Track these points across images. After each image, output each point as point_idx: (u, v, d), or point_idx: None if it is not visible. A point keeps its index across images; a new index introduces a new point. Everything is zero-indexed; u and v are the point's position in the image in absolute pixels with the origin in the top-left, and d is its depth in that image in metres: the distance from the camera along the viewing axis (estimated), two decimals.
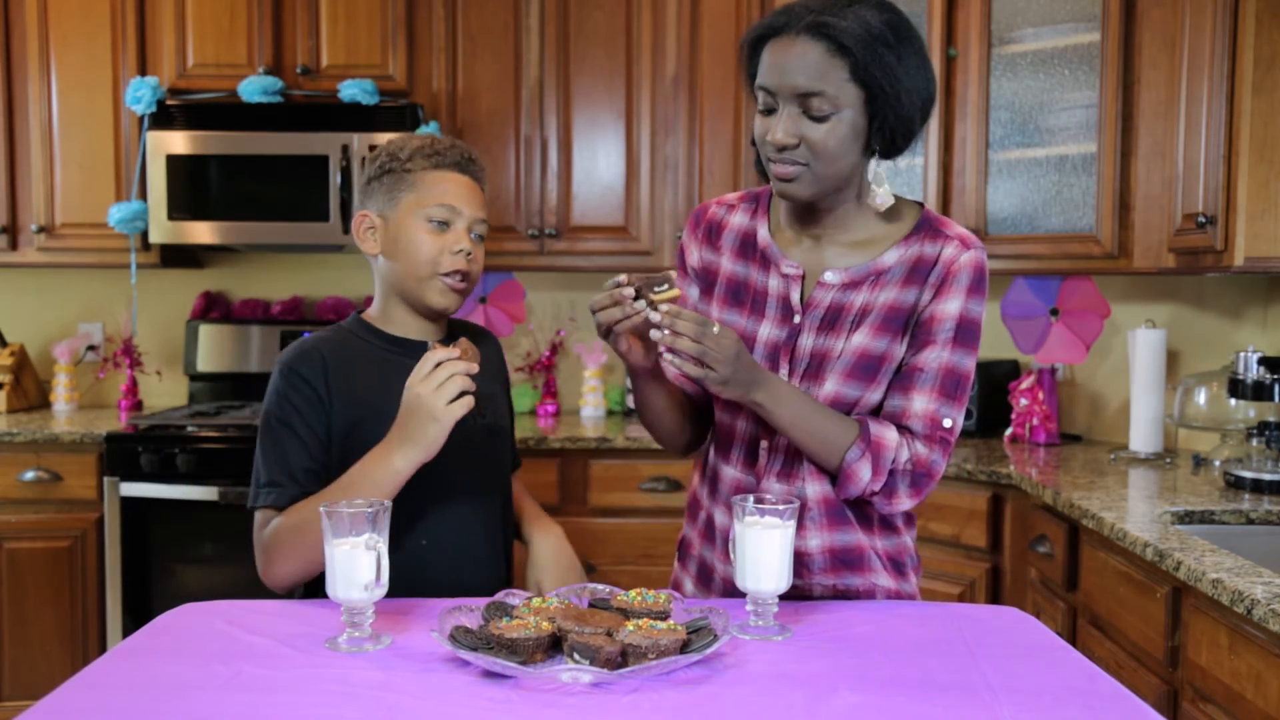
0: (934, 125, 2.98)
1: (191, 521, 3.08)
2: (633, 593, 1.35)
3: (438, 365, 1.43)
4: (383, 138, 3.17)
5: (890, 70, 1.38)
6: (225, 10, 3.31)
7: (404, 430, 1.44)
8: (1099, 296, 3.17)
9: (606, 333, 1.40)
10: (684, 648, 1.21)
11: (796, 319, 1.51)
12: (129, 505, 3.07)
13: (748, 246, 1.57)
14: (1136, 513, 2.22)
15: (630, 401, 3.64)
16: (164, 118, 3.28)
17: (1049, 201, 2.94)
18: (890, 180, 3.02)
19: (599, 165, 3.40)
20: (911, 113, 1.42)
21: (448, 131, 3.35)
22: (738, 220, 1.59)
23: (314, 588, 1.61)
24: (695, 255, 1.61)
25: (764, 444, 1.53)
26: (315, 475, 1.53)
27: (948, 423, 1.46)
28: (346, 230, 3.20)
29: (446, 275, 1.58)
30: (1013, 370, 3.32)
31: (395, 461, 1.44)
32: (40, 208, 3.38)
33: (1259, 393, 2.53)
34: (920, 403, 1.46)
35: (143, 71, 3.34)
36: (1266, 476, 2.40)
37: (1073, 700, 1.15)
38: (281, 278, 3.75)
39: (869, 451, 1.44)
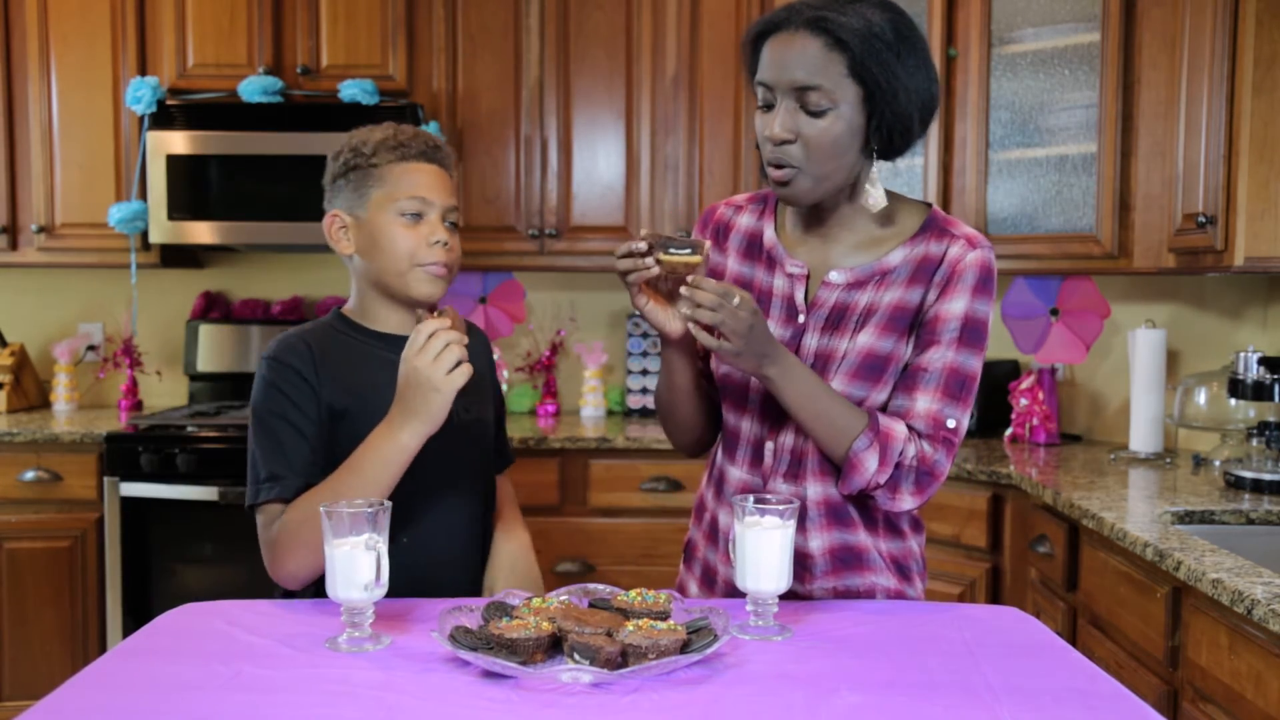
0: (934, 125, 2.96)
1: (191, 521, 3.08)
2: (633, 593, 1.35)
3: (431, 336, 1.41)
4: None
5: (888, 68, 1.38)
6: (225, 10, 3.31)
7: (406, 405, 1.43)
8: (1099, 296, 3.17)
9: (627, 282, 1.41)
10: (684, 648, 1.21)
11: (801, 319, 1.50)
12: (129, 505, 3.07)
13: (754, 247, 1.57)
14: (1136, 513, 2.22)
15: (631, 402, 3.64)
16: (164, 118, 3.28)
17: (1049, 201, 2.94)
18: (890, 180, 3.03)
19: (599, 165, 3.40)
20: (909, 112, 1.41)
21: (448, 132, 3.35)
22: (745, 221, 1.59)
23: (321, 587, 1.60)
24: None
25: (769, 445, 1.52)
26: (315, 465, 1.51)
27: (951, 423, 1.45)
28: None
29: (426, 265, 1.56)
30: (1013, 370, 3.33)
31: (402, 437, 1.43)
32: (40, 208, 3.38)
33: (1259, 393, 2.53)
34: (924, 402, 1.45)
35: (143, 71, 3.34)
36: (1266, 476, 2.40)
37: (1073, 700, 1.15)
38: (281, 278, 3.75)
39: (877, 441, 1.42)
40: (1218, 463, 2.67)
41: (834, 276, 1.50)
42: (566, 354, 3.74)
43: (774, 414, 1.51)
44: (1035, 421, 3.11)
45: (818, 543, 1.51)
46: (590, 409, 3.59)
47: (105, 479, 3.09)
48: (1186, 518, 2.23)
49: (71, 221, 3.39)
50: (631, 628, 1.22)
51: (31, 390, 3.63)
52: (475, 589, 1.67)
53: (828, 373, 1.48)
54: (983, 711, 1.11)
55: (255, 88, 3.25)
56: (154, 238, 3.30)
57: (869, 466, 1.43)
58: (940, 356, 1.45)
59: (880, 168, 1.47)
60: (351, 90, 3.24)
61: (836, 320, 1.49)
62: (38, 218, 3.38)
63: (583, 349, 3.62)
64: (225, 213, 3.30)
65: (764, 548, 1.33)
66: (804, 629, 1.36)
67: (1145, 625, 2.02)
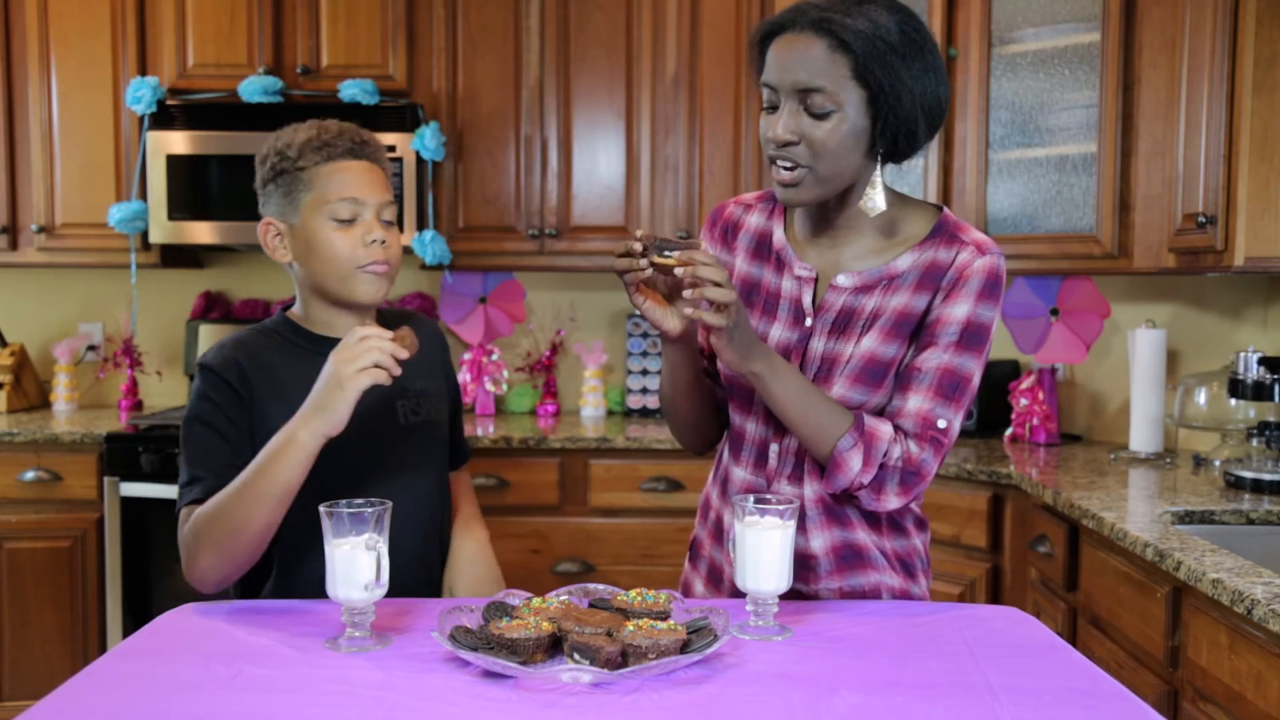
0: None
1: None
2: (633, 593, 1.35)
3: (362, 340, 1.38)
4: (385, 138, 3.17)
5: (893, 71, 1.37)
6: (225, 10, 3.31)
7: (312, 400, 1.40)
8: (1099, 296, 3.17)
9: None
10: (684, 648, 1.21)
11: (808, 322, 1.50)
12: (129, 505, 3.07)
13: (763, 247, 1.56)
14: (1136, 513, 2.22)
15: (631, 402, 3.64)
16: (164, 118, 3.28)
17: (1049, 201, 2.94)
18: (891, 180, 3.03)
19: (599, 165, 3.40)
20: (914, 116, 1.40)
21: (448, 132, 3.35)
22: (754, 221, 1.59)
23: (249, 587, 1.56)
24: None
25: (774, 447, 1.52)
26: (237, 470, 1.44)
27: (941, 423, 1.44)
28: None
29: (366, 266, 1.53)
30: (1013, 370, 3.33)
31: (301, 434, 1.38)
32: (40, 208, 3.38)
33: (1259, 393, 2.53)
34: (915, 401, 1.44)
35: (143, 71, 3.34)
36: (1266, 476, 2.40)
37: (1073, 700, 1.15)
38: (281, 278, 3.75)
39: (861, 441, 1.42)
40: (1218, 463, 2.67)
41: (841, 280, 1.49)
42: (566, 354, 3.74)
43: None
44: (1035, 421, 3.11)
45: (819, 542, 1.51)
46: (590, 409, 3.59)
47: (105, 479, 3.09)
48: (1186, 518, 2.23)
49: (71, 221, 3.39)
50: (632, 628, 1.22)
51: (31, 390, 3.63)
52: (435, 589, 1.66)
53: (831, 376, 1.47)
54: (983, 711, 1.11)
55: (255, 88, 3.25)
56: (154, 238, 3.30)
57: (853, 466, 1.42)
58: (936, 357, 1.44)
59: (886, 169, 1.46)
60: (352, 90, 3.24)
61: (843, 324, 1.48)
62: (38, 218, 3.38)
63: (583, 349, 3.62)
64: (225, 213, 3.29)
65: (764, 547, 1.33)
66: (804, 629, 1.36)
67: (1145, 625, 2.02)
